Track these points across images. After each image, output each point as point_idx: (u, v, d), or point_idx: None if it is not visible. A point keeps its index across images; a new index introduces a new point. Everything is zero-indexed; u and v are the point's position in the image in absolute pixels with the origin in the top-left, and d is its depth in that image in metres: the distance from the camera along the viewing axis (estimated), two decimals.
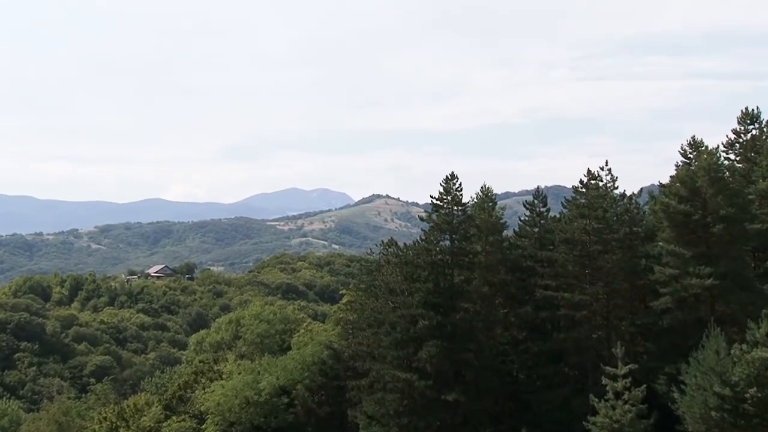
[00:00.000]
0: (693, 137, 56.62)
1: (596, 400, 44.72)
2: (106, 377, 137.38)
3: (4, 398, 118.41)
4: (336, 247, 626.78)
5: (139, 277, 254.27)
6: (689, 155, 56.24)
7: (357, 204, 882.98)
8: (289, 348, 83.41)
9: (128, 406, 78.69)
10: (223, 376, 72.46)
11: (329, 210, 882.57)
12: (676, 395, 45.00)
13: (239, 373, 69.80)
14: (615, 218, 57.24)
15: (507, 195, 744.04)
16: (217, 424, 65.33)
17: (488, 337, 58.35)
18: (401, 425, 54.85)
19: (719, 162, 53.57)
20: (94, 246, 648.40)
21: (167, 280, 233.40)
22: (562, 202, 61.43)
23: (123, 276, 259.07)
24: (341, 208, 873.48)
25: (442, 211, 57.61)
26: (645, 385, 44.41)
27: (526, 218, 63.01)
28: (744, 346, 40.80)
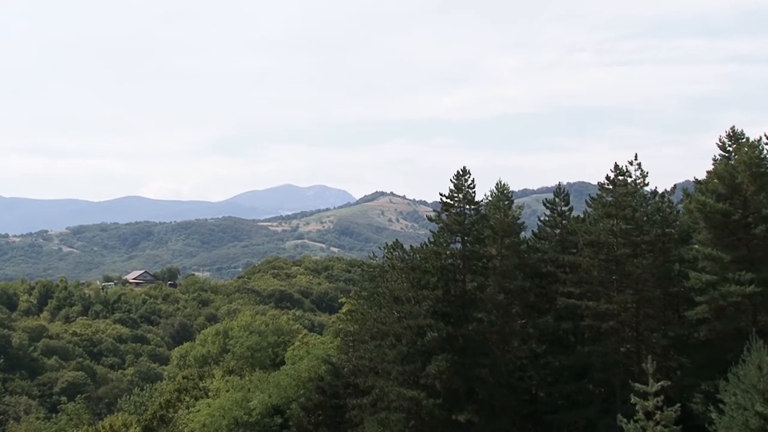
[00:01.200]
0: (732, 128, 56.61)
1: (624, 420, 44.76)
2: (78, 395, 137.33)
3: None
4: (335, 250, 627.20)
5: (115, 284, 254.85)
6: (728, 148, 56.20)
7: (358, 202, 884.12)
8: (282, 363, 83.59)
9: (104, 428, 78.99)
10: (210, 393, 72.69)
11: (327, 209, 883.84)
12: (713, 415, 45.00)
13: (227, 391, 70.01)
14: (645, 218, 57.31)
15: (525, 192, 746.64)
16: None
17: (504, 351, 58.43)
18: None
19: (762, 155, 53.50)
20: (65, 249, 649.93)
21: (147, 287, 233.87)
22: (586, 201, 61.54)
23: (98, 282, 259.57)
24: (341, 207, 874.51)
25: (453, 211, 57.72)
26: (679, 404, 44.37)
27: (547, 218, 63.13)
28: None
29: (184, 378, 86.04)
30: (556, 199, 62.76)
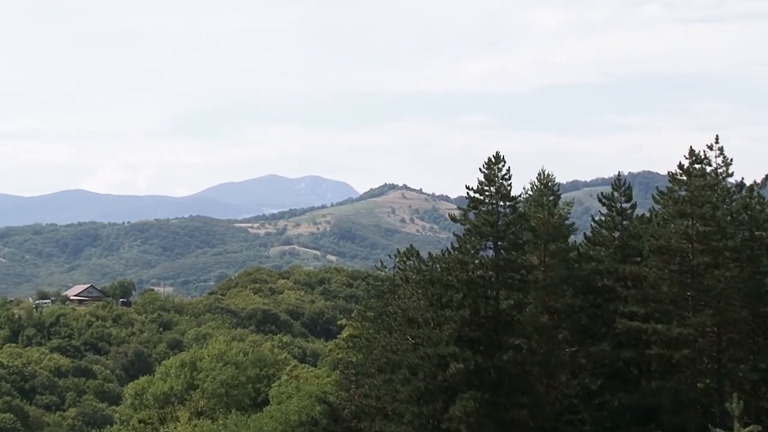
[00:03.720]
0: None
1: None
2: None
3: None
4: (332, 258, 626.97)
5: (53, 302, 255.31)
6: None
7: (362, 198, 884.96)
8: (266, 402, 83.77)
9: None
10: None
11: (323, 206, 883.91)
12: None
13: None
14: (729, 218, 57.25)
15: (575, 185, 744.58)
16: None
17: (548, 387, 58.45)
18: None
19: None
20: None
21: (93, 305, 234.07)
22: (653, 195, 61.50)
23: (30, 300, 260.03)
24: (340, 204, 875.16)
25: (484, 208, 57.72)
26: None
27: (603, 218, 63.11)
28: None
29: (140, 422, 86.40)
30: (615, 194, 62.71)
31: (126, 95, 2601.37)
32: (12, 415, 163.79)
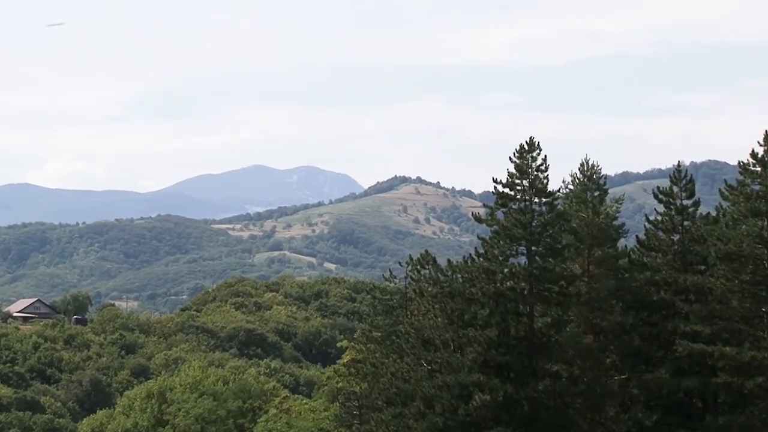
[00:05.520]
0: None
1: None
2: None
3: None
4: (331, 267, 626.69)
5: None
6: None
7: (367, 193, 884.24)
8: None
9: None
10: None
11: (319, 204, 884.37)
12: None
13: None
14: None
15: (625, 177, 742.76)
16: None
17: (594, 423, 58.45)
18: None
19: None
20: None
21: (41, 324, 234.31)
22: (720, 190, 61.44)
23: None
24: (340, 201, 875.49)
25: (515, 206, 57.76)
26: None
27: (659, 218, 63.08)
28: None
29: None
30: (674, 188, 62.70)
31: (80, 70, 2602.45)
32: None
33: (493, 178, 58.56)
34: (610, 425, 59.06)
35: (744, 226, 57.31)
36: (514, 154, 58.45)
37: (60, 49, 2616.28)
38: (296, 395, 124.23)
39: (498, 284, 57.19)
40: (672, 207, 62.61)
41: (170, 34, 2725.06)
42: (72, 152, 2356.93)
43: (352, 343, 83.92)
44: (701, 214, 62.67)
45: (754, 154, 58.15)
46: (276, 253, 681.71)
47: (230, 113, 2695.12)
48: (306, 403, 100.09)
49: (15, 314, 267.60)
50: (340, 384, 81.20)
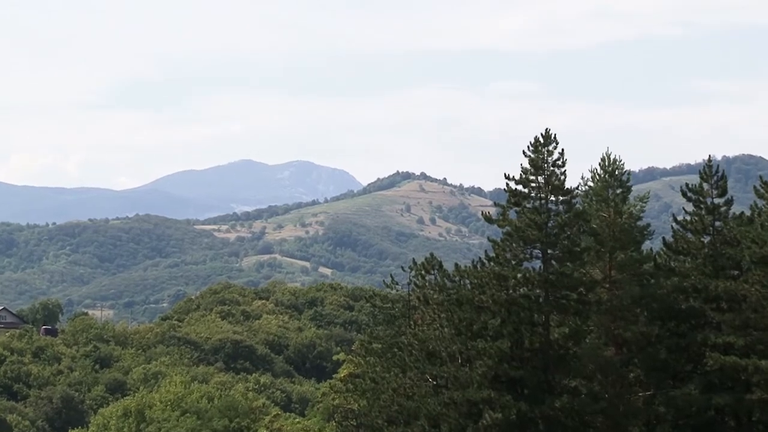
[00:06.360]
0: None
1: None
2: None
3: None
4: (326, 272, 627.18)
5: None
6: None
7: (366, 191, 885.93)
8: None
9: None
10: None
11: (314, 202, 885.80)
12: None
13: None
14: None
15: (651, 173, 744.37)
16: None
17: None
18: None
19: None
20: None
21: (7, 334, 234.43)
22: (755, 187, 61.42)
23: None
24: (337, 199, 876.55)
25: (529, 205, 57.69)
26: None
27: (688, 218, 63.00)
28: None
29: None
30: (705, 185, 62.65)
31: (50, 55, 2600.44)
32: None
33: (505, 174, 58.54)
34: None
35: None
36: (528, 147, 58.46)
37: (25, 31, 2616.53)
38: (288, 413, 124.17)
39: (510, 291, 57.18)
40: (702, 206, 62.56)
41: (149, 15, 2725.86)
42: (40, 146, 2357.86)
43: (350, 356, 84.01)
44: (734, 213, 62.60)
45: None
46: (266, 257, 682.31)
47: (215, 102, 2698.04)
48: (299, 422, 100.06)
49: None
50: (337, 401, 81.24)
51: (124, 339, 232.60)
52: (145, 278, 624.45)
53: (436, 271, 69.27)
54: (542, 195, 58.05)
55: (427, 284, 68.50)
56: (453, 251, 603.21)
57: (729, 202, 62.57)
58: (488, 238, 60.83)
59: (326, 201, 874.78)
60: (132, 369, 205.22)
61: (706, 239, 62.02)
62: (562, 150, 58.36)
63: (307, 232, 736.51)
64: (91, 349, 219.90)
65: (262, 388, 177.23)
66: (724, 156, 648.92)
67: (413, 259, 74.25)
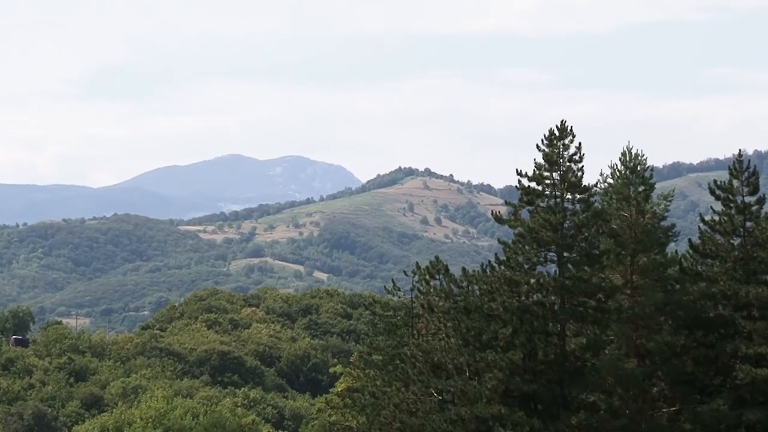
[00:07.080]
0: None
1: None
2: None
3: None
4: (322, 276, 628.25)
5: None
6: None
7: (365, 188, 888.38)
8: None
9: None
10: None
11: (308, 200, 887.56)
12: None
13: None
14: None
15: (676, 169, 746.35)
16: None
17: None
18: None
19: None
20: None
21: None
22: None
23: None
24: (333, 198, 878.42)
25: (543, 204, 57.57)
26: None
27: (717, 217, 62.86)
28: None
29: None
30: (735, 182, 62.52)
31: (20, 41, 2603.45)
32: None
33: (516, 170, 58.60)
34: None
35: None
36: (542, 141, 58.38)
37: None
38: (280, 431, 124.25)
39: (523, 298, 57.10)
40: (732, 205, 62.44)
41: None
42: (10, 140, 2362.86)
43: (348, 369, 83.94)
44: (767, 213, 62.49)
45: None
46: (256, 261, 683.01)
47: (201, 93, 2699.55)
48: None
49: None
50: (333, 417, 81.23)
51: (102, 350, 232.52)
52: (125, 284, 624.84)
53: (441, 276, 69.10)
54: (557, 193, 57.96)
55: (431, 290, 68.33)
56: (460, 254, 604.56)
57: (761, 201, 62.52)
58: (498, 240, 60.73)
59: (322, 199, 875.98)
60: (110, 383, 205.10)
61: (737, 241, 61.90)
62: (579, 143, 58.40)
63: (300, 234, 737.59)
64: (66, 361, 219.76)
65: (252, 404, 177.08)
66: (756, 150, 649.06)
67: (416, 262, 74.09)
